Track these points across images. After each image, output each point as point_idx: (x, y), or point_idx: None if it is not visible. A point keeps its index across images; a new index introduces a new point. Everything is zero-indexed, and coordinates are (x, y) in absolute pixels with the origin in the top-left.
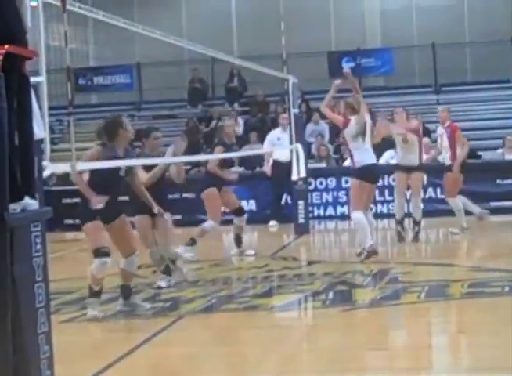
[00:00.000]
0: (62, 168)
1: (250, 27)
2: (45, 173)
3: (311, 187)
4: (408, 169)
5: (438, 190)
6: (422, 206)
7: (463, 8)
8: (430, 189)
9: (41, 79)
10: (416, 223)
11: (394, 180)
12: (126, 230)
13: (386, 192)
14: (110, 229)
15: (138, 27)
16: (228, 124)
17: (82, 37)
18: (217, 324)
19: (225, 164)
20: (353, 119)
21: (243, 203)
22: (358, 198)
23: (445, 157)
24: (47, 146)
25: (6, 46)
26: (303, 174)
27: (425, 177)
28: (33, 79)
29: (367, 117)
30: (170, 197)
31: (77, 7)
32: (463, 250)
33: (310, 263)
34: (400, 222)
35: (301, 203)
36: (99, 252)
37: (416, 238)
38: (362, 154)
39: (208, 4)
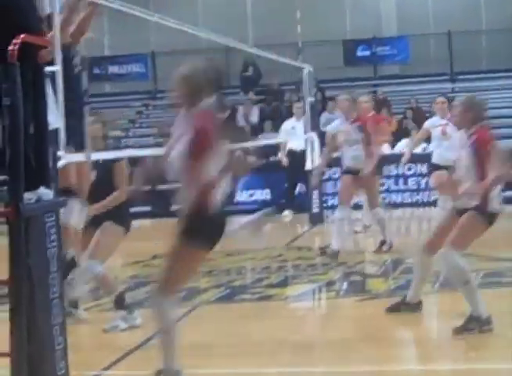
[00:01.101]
0: (77, 157)
1: (265, 15)
2: (60, 163)
3: (326, 177)
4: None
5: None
6: None
7: None
8: None
9: (56, 68)
10: None
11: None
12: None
13: (400, 181)
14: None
15: (154, 15)
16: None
17: (97, 26)
18: (231, 314)
19: None
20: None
21: (258, 192)
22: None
23: None
24: (62, 136)
25: (22, 35)
26: (317, 163)
27: None
28: (48, 68)
29: None
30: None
31: None
32: (477, 240)
33: (324, 253)
34: None
35: (315, 192)
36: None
37: None
38: None
39: None
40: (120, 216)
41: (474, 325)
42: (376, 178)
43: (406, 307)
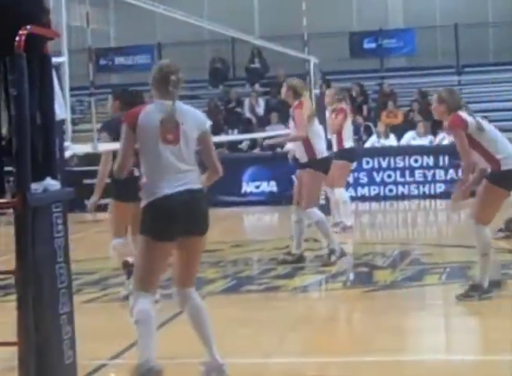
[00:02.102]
0: (83, 148)
1: (271, 7)
2: (67, 154)
3: None
4: None
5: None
6: None
7: None
8: (451, 171)
9: (62, 59)
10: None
11: None
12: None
13: (406, 173)
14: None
15: (159, 7)
16: None
17: (103, 17)
18: (238, 305)
19: None
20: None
21: (264, 184)
22: (317, 193)
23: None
24: (68, 127)
25: (28, 27)
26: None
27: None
28: (55, 59)
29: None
30: None
31: None
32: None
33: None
34: None
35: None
36: None
37: None
38: (322, 143)
39: None
40: (116, 192)
41: (475, 293)
42: (310, 176)
43: None
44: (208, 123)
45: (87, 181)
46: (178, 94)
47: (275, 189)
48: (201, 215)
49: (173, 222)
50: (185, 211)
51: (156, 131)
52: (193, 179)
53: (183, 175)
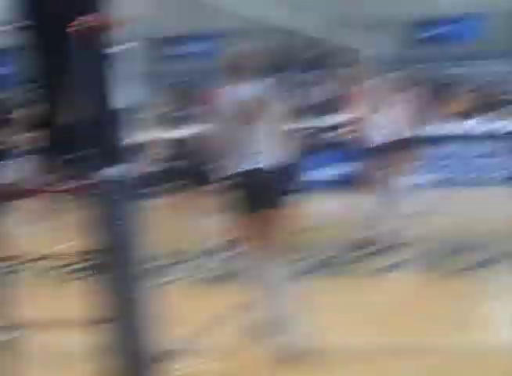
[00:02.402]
0: (143, 136)
1: None
2: (129, 141)
3: None
4: None
5: None
6: None
7: None
8: None
9: (122, 48)
10: None
11: None
12: None
13: (468, 161)
14: None
15: None
16: None
17: (162, 6)
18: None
19: None
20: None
21: (330, 169)
22: (374, 180)
23: None
24: (130, 115)
25: (87, 15)
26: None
27: None
28: (114, 48)
29: None
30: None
31: None
32: None
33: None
34: None
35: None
36: None
37: None
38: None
39: None
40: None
41: None
42: (367, 163)
43: None
44: (284, 104)
45: None
46: (252, 77)
47: (341, 174)
48: (269, 190)
49: (243, 197)
50: (255, 187)
51: (234, 112)
52: (267, 158)
53: (257, 155)
